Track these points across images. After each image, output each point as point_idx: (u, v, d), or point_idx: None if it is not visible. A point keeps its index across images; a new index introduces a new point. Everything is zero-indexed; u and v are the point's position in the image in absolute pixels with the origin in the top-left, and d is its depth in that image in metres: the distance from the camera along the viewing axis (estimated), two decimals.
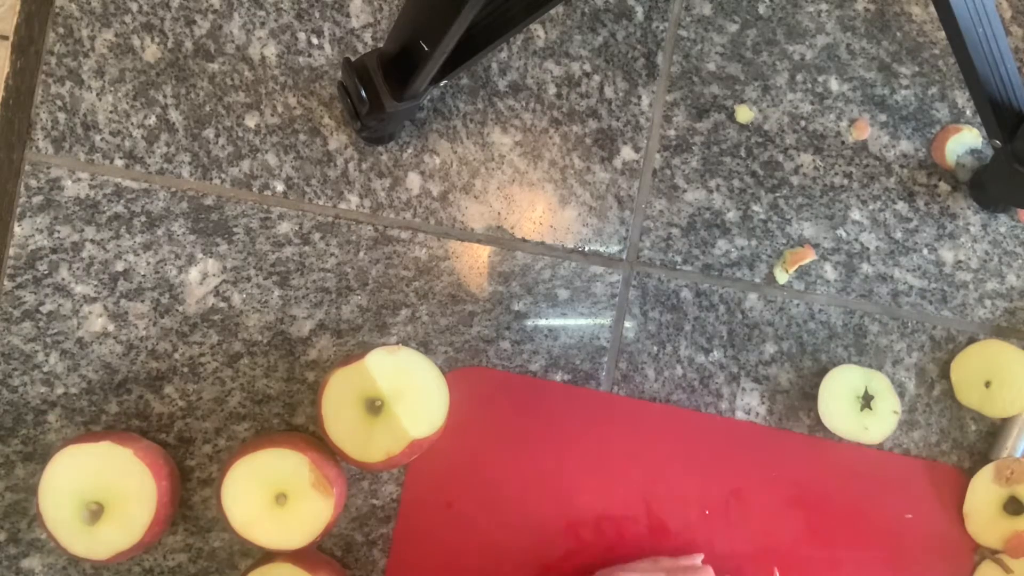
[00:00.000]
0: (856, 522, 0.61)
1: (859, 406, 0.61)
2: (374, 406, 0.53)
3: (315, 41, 0.60)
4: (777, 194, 0.63)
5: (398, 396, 0.53)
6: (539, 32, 0.61)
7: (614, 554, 0.58)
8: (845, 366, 0.61)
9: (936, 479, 0.62)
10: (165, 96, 0.58)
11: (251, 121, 0.59)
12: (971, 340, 0.63)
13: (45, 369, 0.57)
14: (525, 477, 0.60)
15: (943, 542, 0.62)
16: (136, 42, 0.58)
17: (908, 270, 0.63)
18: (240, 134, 0.59)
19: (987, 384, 0.61)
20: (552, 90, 0.61)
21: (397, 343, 0.59)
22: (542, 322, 0.61)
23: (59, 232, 0.57)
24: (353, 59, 0.52)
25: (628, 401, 0.61)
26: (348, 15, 0.60)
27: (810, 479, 0.61)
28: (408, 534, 0.59)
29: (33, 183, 0.57)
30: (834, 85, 0.63)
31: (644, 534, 0.60)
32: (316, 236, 0.59)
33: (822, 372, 0.62)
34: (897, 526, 0.62)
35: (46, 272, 0.57)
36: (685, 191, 0.62)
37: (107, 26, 0.58)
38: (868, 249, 0.63)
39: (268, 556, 0.55)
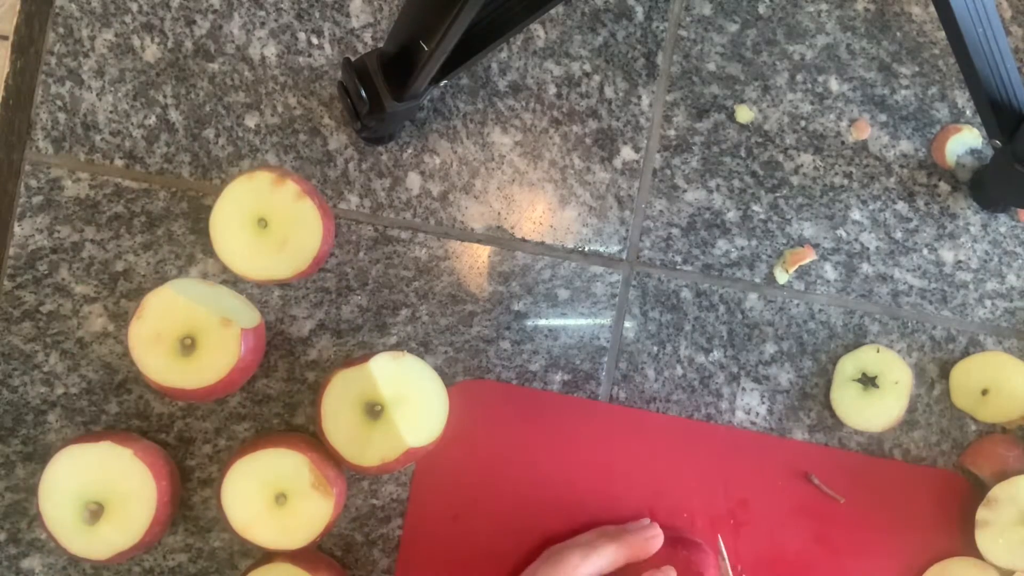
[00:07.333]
0: (863, 531, 0.61)
1: (863, 388, 0.61)
2: (374, 410, 0.53)
3: (315, 41, 0.60)
4: (777, 194, 0.63)
5: (398, 402, 0.53)
6: (539, 32, 0.61)
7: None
8: (842, 359, 0.62)
9: (942, 488, 0.62)
10: (165, 96, 0.58)
11: (251, 121, 0.59)
12: (972, 341, 0.63)
13: (45, 369, 0.57)
14: (530, 490, 0.59)
15: (950, 552, 0.62)
16: (136, 42, 0.58)
17: (908, 270, 0.63)
18: (240, 134, 0.59)
19: (984, 392, 0.62)
20: (552, 90, 0.61)
21: (402, 349, 0.59)
22: (542, 322, 0.61)
23: (59, 232, 0.57)
24: (353, 59, 0.52)
25: (633, 412, 0.61)
26: (348, 15, 0.60)
27: (817, 489, 0.61)
28: (414, 549, 0.59)
29: (33, 183, 0.57)
30: (834, 85, 0.63)
31: (661, 548, 0.59)
32: None
33: (822, 372, 0.62)
34: (904, 536, 0.62)
35: (46, 272, 0.57)
36: (685, 191, 0.62)
37: (107, 26, 0.58)
38: (868, 249, 0.63)
39: (268, 556, 0.55)
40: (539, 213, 0.61)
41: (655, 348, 0.61)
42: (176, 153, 0.58)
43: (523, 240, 0.61)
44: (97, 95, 0.58)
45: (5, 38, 0.58)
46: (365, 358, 0.54)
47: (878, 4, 0.64)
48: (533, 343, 0.61)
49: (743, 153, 0.62)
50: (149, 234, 0.58)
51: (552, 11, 0.61)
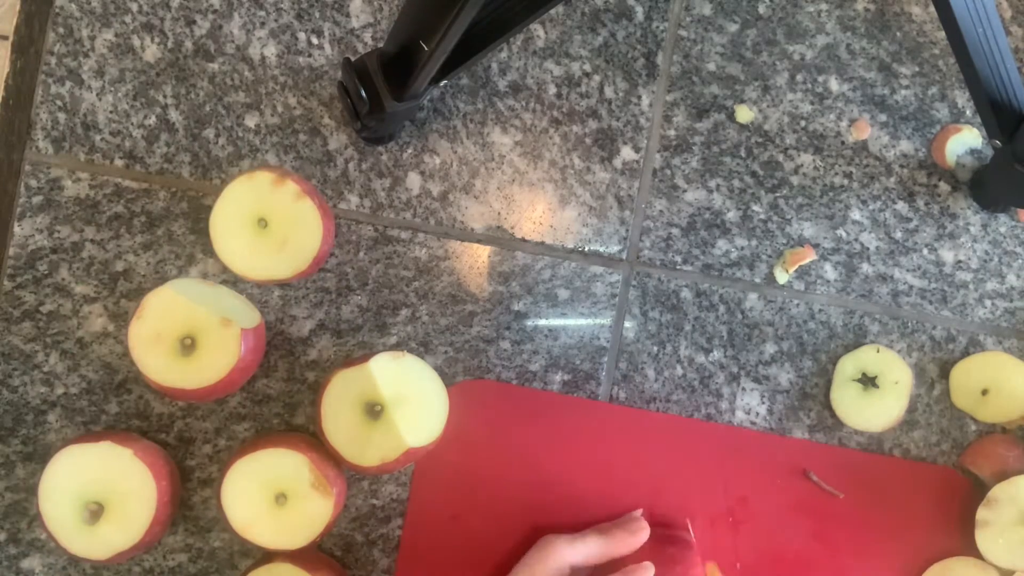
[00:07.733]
0: (863, 530, 0.61)
1: (863, 388, 0.61)
2: (374, 410, 0.53)
3: (315, 41, 0.60)
4: (777, 194, 0.63)
5: (398, 402, 0.53)
6: (539, 32, 0.61)
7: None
8: (842, 358, 0.62)
9: (941, 487, 0.62)
10: (165, 96, 0.58)
11: (251, 121, 0.59)
12: (972, 341, 0.63)
13: (45, 369, 0.57)
14: (530, 490, 0.59)
15: (950, 552, 0.62)
16: (136, 42, 0.58)
17: (908, 270, 0.63)
18: (240, 134, 0.59)
19: (984, 392, 0.62)
20: (552, 90, 0.61)
21: (402, 349, 0.59)
22: (542, 322, 0.61)
23: (59, 232, 0.57)
24: (353, 59, 0.52)
25: (632, 412, 0.61)
26: (348, 15, 0.60)
27: (816, 486, 0.61)
28: (414, 549, 0.59)
29: (33, 183, 0.57)
30: (834, 85, 0.63)
31: (648, 544, 0.60)
32: None
33: (822, 372, 0.62)
34: (904, 535, 0.61)
35: (46, 272, 0.57)
36: (685, 191, 0.62)
37: (107, 26, 0.58)
38: (868, 249, 0.63)
39: (268, 556, 0.55)
40: (539, 213, 0.61)
41: (655, 348, 0.61)
42: (176, 153, 0.58)
43: (523, 240, 0.61)
44: (97, 95, 0.58)
45: (5, 38, 0.58)
46: (365, 358, 0.54)
47: (878, 4, 0.64)
48: (533, 343, 0.61)
49: (743, 153, 0.62)
50: (149, 234, 0.58)
51: (552, 11, 0.61)
